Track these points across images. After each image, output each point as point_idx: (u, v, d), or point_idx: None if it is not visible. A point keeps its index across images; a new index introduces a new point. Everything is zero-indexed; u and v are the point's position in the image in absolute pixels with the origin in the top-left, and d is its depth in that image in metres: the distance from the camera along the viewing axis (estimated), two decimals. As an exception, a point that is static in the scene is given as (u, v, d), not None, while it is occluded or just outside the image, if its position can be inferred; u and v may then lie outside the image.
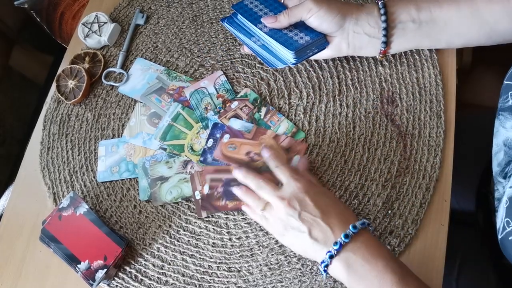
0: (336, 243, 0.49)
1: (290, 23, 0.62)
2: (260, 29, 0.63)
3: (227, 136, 0.65)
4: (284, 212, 0.53)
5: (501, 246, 0.54)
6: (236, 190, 0.59)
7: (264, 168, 0.63)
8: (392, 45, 0.62)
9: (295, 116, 0.67)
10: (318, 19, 0.60)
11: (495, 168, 0.58)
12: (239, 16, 0.65)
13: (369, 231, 0.52)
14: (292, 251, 0.59)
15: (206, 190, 0.63)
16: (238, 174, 0.59)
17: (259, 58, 0.66)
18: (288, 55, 0.62)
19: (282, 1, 0.65)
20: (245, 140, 0.65)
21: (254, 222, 0.62)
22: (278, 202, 0.53)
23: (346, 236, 0.49)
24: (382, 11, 0.60)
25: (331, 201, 0.53)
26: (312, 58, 0.64)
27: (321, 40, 0.63)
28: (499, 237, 0.53)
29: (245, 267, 0.60)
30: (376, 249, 0.49)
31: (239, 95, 0.70)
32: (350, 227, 0.50)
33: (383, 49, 0.62)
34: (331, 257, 0.49)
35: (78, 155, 0.71)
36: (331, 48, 0.63)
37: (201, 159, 0.65)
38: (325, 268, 0.50)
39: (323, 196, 0.54)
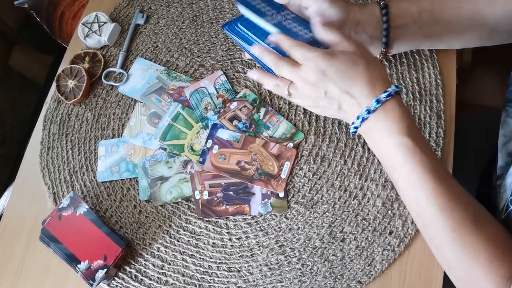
0: (359, 117, 0.52)
1: (290, 1, 0.60)
2: (268, 21, 0.61)
3: (216, 147, 0.65)
4: (310, 92, 0.53)
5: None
6: (251, 74, 0.59)
7: (255, 176, 0.63)
8: (393, 45, 0.62)
9: (295, 116, 0.67)
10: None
11: (505, 159, 0.57)
12: (239, 25, 0.65)
13: (397, 98, 0.52)
14: (291, 251, 0.60)
15: (205, 196, 0.63)
16: (254, 48, 0.56)
17: (260, 65, 0.65)
18: None
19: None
20: (234, 149, 0.65)
21: (254, 222, 0.62)
22: (301, 83, 0.54)
23: (368, 111, 0.51)
24: (383, 12, 0.59)
25: (356, 71, 0.52)
26: None
27: None
28: (502, 217, 0.53)
29: (245, 267, 0.60)
30: (395, 122, 0.51)
31: (238, 96, 0.70)
32: (373, 102, 0.50)
33: (384, 49, 0.62)
34: (356, 128, 0.53)
35: (78, 155, 0.71)
36: None
37: (200, 159, 0.65)
38: (354, 131, 0.54)
39: (346, 67, 0.52)
